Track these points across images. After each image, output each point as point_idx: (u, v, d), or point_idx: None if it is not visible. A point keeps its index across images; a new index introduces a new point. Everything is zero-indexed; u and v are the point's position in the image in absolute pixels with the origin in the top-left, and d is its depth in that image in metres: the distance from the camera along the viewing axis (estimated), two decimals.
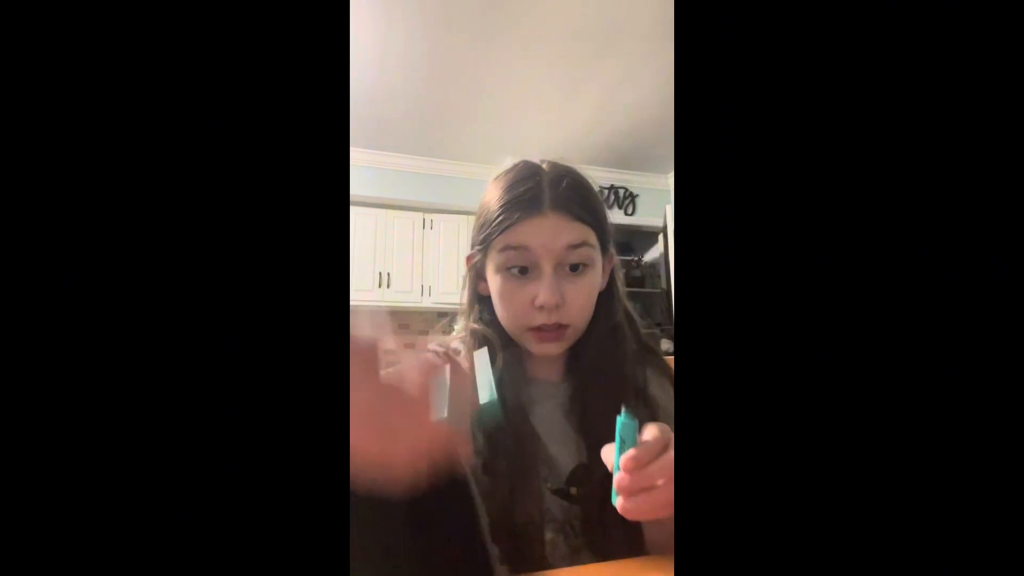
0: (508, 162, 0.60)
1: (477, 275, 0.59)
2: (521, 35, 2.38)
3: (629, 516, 0.36)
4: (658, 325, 3.51)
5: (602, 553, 0.50)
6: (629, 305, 0.63)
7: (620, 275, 0.62)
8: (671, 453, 0.36)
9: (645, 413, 0.56)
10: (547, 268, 0.52)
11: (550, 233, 0.52)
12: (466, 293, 0.62)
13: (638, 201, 3.81)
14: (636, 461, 0.35)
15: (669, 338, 3.22)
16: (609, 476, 0.39)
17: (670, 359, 0.65)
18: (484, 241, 0.55)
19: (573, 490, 0.53)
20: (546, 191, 0.53)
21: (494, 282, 0.56)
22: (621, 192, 3.75)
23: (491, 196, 0.56)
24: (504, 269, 0.54)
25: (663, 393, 0.60)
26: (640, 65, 2.60)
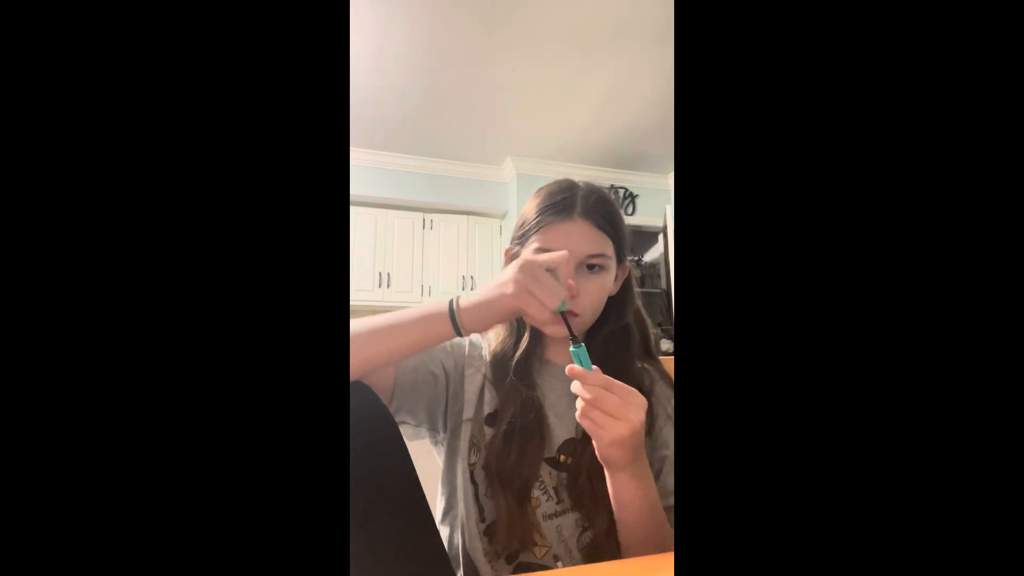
0: (550, 179, 0.73)
1: None
2: (521, 35, 2.38)
3: (579, 416, 0.50)
4: (658, 325, 3.51)
5: (581, 515, 0.60)
6: (643, 310, 0.73)
7: (635, 283, 0.73)
8: (607, 394, 0.48)
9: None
10: (570, 265, 0.62)
11: (576, 238, 0.62)
12: None
13: (638, 201, 3.81)
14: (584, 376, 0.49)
15: (669, 338, 3.22)
16: (591, 453, 0.54)
17: (670, 359, 0.72)
18: (522, 237, 0.66)
19: (562, 457, 0.63)
20: (579, 202, 0.64)
21: None
22: (621, 192, 3.75)
23: (532, 203, 0.67)
24: None
25: (663, 393, 0.68)
26: (640, 65, 2.60)
